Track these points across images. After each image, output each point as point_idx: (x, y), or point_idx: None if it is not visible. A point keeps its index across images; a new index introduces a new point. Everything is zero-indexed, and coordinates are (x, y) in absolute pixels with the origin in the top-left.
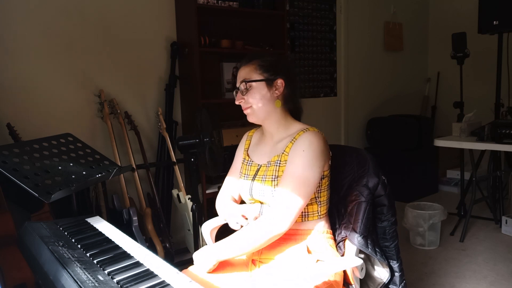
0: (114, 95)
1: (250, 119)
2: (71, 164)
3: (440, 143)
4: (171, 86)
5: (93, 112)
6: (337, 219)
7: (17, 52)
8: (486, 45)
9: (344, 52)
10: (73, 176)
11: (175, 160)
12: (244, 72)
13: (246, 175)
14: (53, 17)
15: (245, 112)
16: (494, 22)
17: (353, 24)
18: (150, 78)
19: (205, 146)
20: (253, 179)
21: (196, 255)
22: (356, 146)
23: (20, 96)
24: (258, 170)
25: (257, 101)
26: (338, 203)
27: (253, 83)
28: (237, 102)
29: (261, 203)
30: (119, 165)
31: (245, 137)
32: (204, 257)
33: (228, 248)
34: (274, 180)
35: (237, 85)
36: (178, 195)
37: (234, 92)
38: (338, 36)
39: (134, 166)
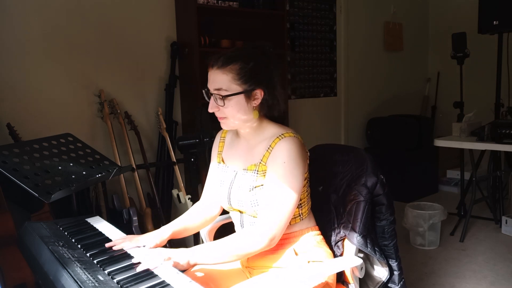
0: (114, 95)
1: (225, 127)
2: (71, 164)
3: (440, 143)
4: (171, 86)
5: (93, 112)
6: (335, 219)
7: (17, 52)
8: (486, 45)
9: (344, 52)
10: (73, 176)
11: (175, 160)
12: (220, 79)
13: (222, 182)
14: (53, 17)
15: (219, 120)
16: (494, 22)
17: (353, 24)
18: (150, 78)
19: (205, 146)
20: (230, 187)
21: (172, 251)
22: (356, 146)
23: (20, 96)
24: (234, 177)
25: (234, 113)
26: (337, 202)
27: (232, 97)
28: (210, 111)
29: (241, 212)
30: (119, 165)
31: (217, 138)
32: (179, 255)
33: (204, 254)
34: (252, 190)
35: (211, 90)
36: (178, 195)
37: (205, 94)
38: (338, 36)
39: (134, 166)
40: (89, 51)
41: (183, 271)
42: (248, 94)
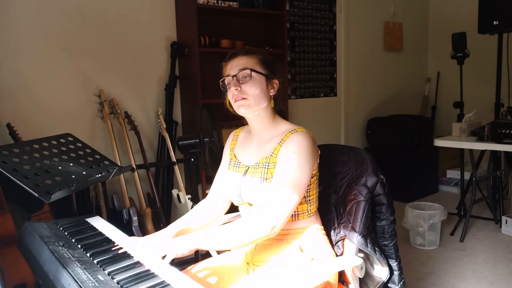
0: (114, 95)
1: (241, 111)
2: (71, 164)
3: (440, 143)
4: (171, 86)
5: (93, 112)
6: (336, 219)
7: (17, 52)
8: (486, 45)
9: (344, 52)
10: (73, 176)
11: (175, 160)
12: (244, 61)
13: (234, 176)
14: (53, 17)
15: (237, 102)
16: (494, 22)
17: (353, 24)
18: (150, 78)
19: (205, 146)
20: (242, 180)
21: (171, 241)
22: (356, 146)
23: (20, 96)
24: (246, 171)
25: (255, 93)
26: (337, 202)
27: (256, 75)
28: (232, 90)
29: (250, 205)
30: (119, 165)
31: (231, 136)
32: (177, 244)
33: (205, 239)
34: (263, 183)
35: (233, 72)
36: (178, 195)
37: (222, 85)
38: (338, 36)
39: (134, 166)
40: (89, 51)
41: (187, 265)
42: (269, 80)
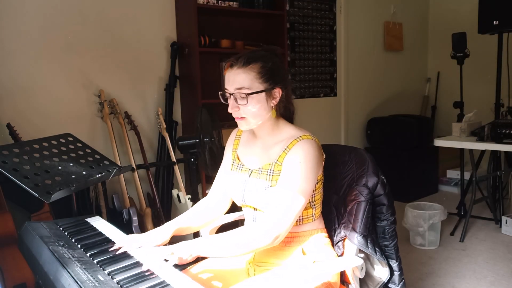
0: (114, 95)
1: (242, 127)
2: (71, 164)
3: (440, 143)
4: (171, 86)
5: (93, 112)
6: (336, 219)
7: (17, 52)
8: (486, 45)
9: (344, 52)
10: (73, 176)
11: (175, 160)
12: (242, 78)
13: (237, 179)
14: (53, 17)
15: (236, 120)
16: (494, 22)
17: (353, 24)
18: (150, 78)
19: (205, 146)
20: (245, 185)
21: (173, 246)
22: (356, 146)
23: (20, 96)
24: (249, 175)
25: (255, 112)
26: (338, 202)
27: (254, 95)
28: (230, 111)
29: (255, 209)
30: (119, 165)
31: (233, 135)
32: (179, 249)
33: (207, 246)
34: (266, 189)
35: (230, 90)
36: (178, 195)
37: (222, 97)
38: (338, 36)
39: (134, 166)
40: (89, 51)
41: (187, 265)
42: (268, 93)
